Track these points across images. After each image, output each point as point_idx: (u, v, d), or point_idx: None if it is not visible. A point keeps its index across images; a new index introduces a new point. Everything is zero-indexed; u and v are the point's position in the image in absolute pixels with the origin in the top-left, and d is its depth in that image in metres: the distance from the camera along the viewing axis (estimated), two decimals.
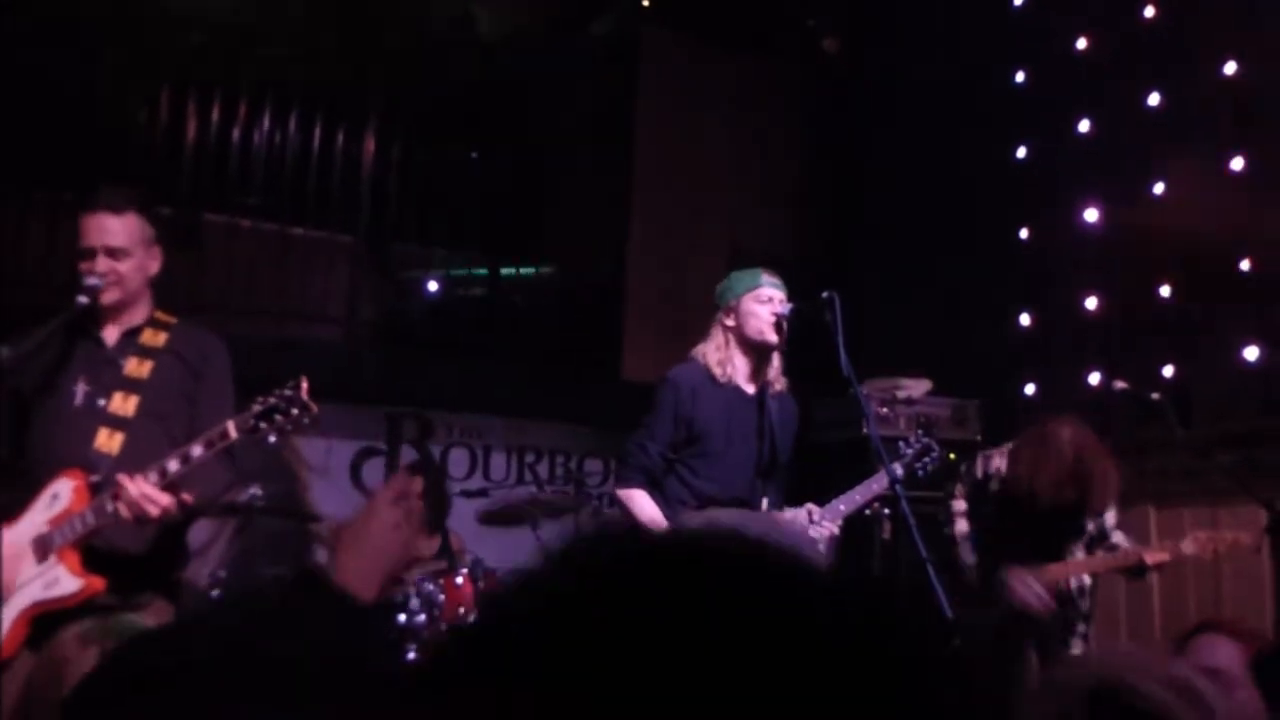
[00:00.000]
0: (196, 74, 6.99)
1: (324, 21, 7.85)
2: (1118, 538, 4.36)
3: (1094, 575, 4.43)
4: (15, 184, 6.52)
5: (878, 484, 3.98)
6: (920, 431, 4.42)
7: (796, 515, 4.01)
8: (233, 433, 2.94)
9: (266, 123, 7.21)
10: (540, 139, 7.92)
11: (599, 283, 7.80)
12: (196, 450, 2.95)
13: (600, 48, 8.26)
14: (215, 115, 7.07)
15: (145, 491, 2.91)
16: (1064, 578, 4.29)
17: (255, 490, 4.84)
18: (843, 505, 4.01)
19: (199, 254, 6.67)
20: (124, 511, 2.92)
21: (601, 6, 8.50)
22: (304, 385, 2.97)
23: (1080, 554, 4.35)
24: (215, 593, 4.78)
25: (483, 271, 7.71)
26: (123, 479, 2.93)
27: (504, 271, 7.74)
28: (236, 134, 7.13)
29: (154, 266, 3.30)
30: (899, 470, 4.03)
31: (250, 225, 6.91)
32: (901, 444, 4.32)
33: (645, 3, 8.45)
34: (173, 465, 2.96)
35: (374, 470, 6.78)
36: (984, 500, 4.47)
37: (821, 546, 4.02)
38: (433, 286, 7.55)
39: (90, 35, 6.87)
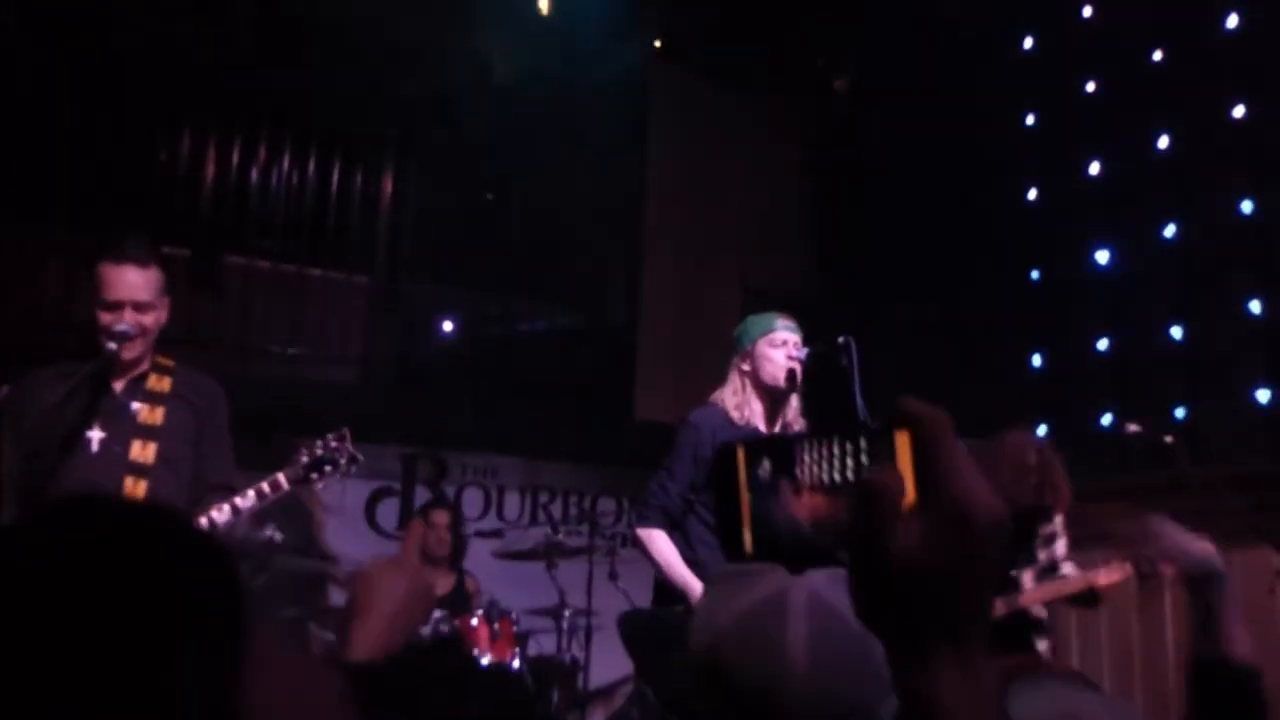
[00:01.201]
0: (216, 116, 7.09)
1: (342, 65, 7.97)
2: (1068, 569, 4.29)
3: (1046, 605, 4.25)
4: (35, 225, 6.60)
5: None
6: None
7: None
8: (284, 484, 3.01)
9: (285, 165, 7.30)
10: (553, 180, 7.99)
11: (612, 323, 7.86)
12: (246, 501, 3.01)
13: (611, 89, 8.35)
14: (235, 157, 7.16)
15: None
16: (1011, 611, 4.10)
17: (272, 531, 4.87)
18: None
19: (217, 295, 6.75)
20: None
21: (613, 48, 8.61)
22: (348, 435, 3.05)
23: (1030, 583, 4.28)
24: None
25: (497, 312, 7.77)
26: (236, 505, 2.98)
27: (517, 311, 7.78)
28: (255, 176, 7.22)
29: (164, 318, 3.36)
30: None
31: (268, 266, 6.99)
32: None
33: (657, 43, 8.57)
34: (219, 515, 3.00)
35: (388, 510, 6.82)
36: None
37: None
38: (448, 327, 7.61)
39: (112, 76, 6.99)
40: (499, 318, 7.68)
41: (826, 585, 1.19)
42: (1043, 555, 4.28)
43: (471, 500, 7.10)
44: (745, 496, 0.73)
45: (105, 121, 6.86)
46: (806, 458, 0.73)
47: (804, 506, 0.72)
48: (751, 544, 0.73)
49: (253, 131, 7.21)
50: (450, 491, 6.99)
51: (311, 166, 7.37)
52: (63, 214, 6.57)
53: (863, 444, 0.73)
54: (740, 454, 0.74)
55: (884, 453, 0.71)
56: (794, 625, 1.14)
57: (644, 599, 4.27)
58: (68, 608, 0.72)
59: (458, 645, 4.62)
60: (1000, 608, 4.09)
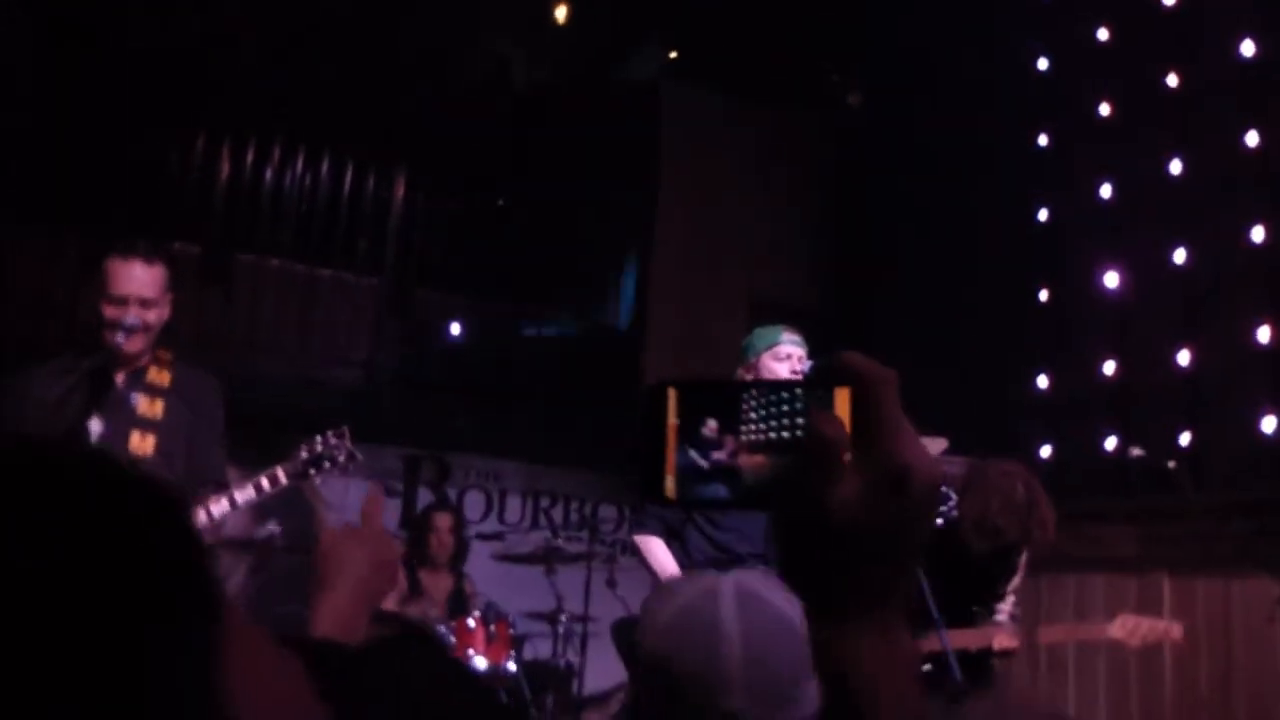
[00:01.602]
0: (230, 117, 7.13)
1: (356, 68, 8.02)
2: (1006, 606, 4.23)
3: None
4: (47, 224, 6.64)
5: None
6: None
7: None
8: (283, 478, 3.04)
9: (299, 166, 7.34)
10: (564, 188, 8.03)
11: (618, 331, 7.88)
12: (244, 494, 3.03)
13: (624, 100, 8.39)
14: (249, 157, 7.20)
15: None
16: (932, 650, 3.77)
17: (273, 527, 4.89)
18: None
19: (227, 292, 6.78)
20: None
21: (628, 58, 8.65)
22: (347, 433, 3.08)
23: (1006, 612, 4.23)
24: None
25: (504, 317, 7.79)
26: (234, 498, 3.01)
27: (524, 317, 7.81)
28: (269, 176, 7.26)
29: (168, 314, 3.39)
30: None
31: (278, 265, 7.02)
32: None
33: (672, 55, 8.61)
34: (217, 508, 3.03)
35: (390, 511, 6.83)
36: None
37: None
38: (455, 330, 7.63)
39: (126, 77, 7.03)
40: (506, 323, 7.70)
41: (753, 578, 1.31)
42: (1005, 588, 4.25)
43: (473, 503, 7.12)
44: (672, 440, 0.69)
45: (118, 121, 6.91)
46: (747, 408, 0.70)
47: (740, 459, 0.69)
48: (675, 490, 0.69)
49: (266, 132, 7.25)
50: (452, 494, 7.01)
51: (325, 168, 7.41)
52: (75, 213, 6.61)
53: (802, 396, 0.70)
54: (671, 394, 0.70)
55: (824, 408, 0.69)
56: (725, 607, 1.29)
57: None
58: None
59: (428, 639, 4.61)
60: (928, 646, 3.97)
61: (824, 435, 0.67)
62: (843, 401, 0.68)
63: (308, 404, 6.37)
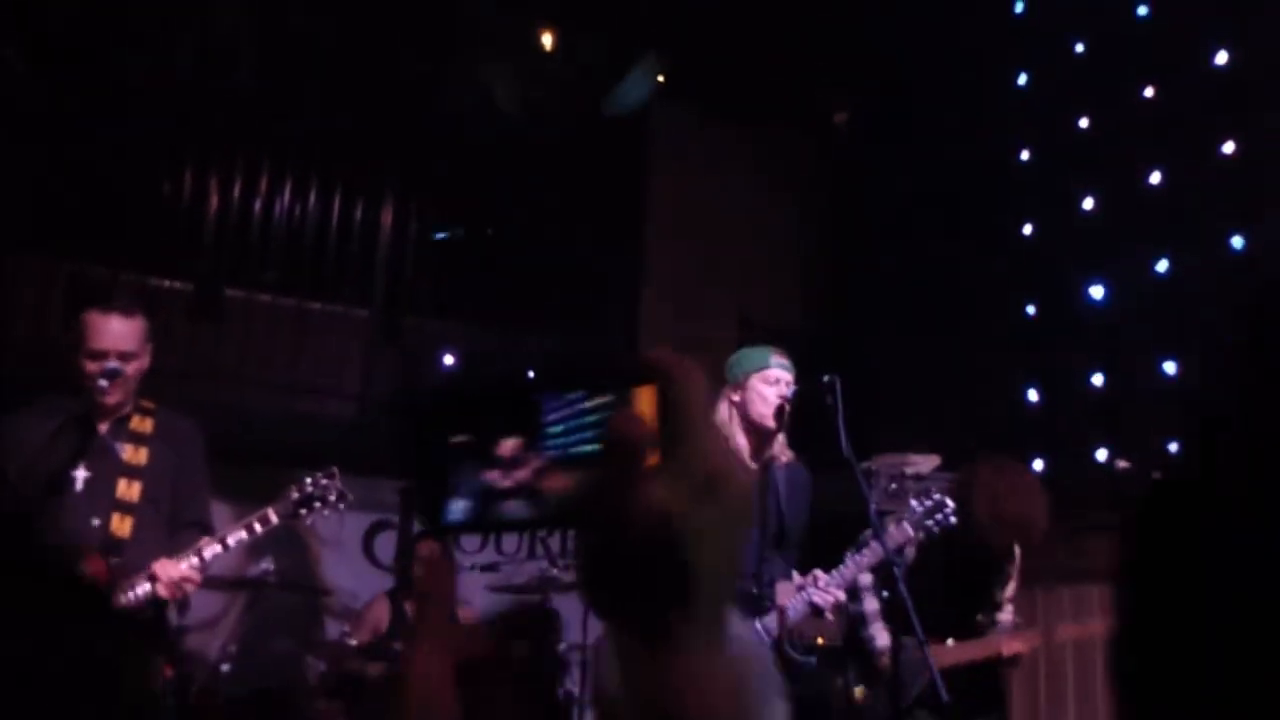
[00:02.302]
0: (218, 149, 7.15)
1: (344, 97, 8.05)
2: (1006, 615, 4.28)
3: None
4: (38, 256, 6.65)
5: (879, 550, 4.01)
6: (930, 488, 4.31)
7: (803, 581, 4.03)
8: (274, 519, 3.10)
9: (286, 197, 7.35)
10: (553, 213, 8.05)
11: (611, 355, 7.89)
12: (235, 536, 3.08)
13: (612, 121, 8.42)
14: (236, 189, 7.22)
15: (184, 574, 3.06)
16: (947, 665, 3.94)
17: (267, 564, 4.90)
18: (849, 569, 4.04)
19: (217, 328, 6.80)
20: (164, 593, 3.05)
21: (617, 82, 8.69)
22: (336, 473, 3.15)
23: (1007, 618, 4.26)
24: (225, 667, 4.82)
25: (496, 345, 7.80)
26: (160, 566, 3.06)
27: (516, 345, 7.82)
28: (257, 208, 7.27)
29: (147, 364, 3.43)
30: (909, 529, 4.08)
31: (268, 299, 7.03)
32: (913, 502, 4.28)
33: (661, 78, 8.65)
34: (208, 551, 3.08)
35: (386, 544, 6.83)
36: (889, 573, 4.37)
37: (828, 614, 4.05)
38: (449, 360, 7.64)
39: (114, 108, 7.06)
40: (497, 351, 7.71)
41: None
42: (1000, 595, 4.28)
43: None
44: (452, 457, 0.61)
45: (108, 153, 6.93)
46: (547, 420, 0.64)
47: (544, 477, 0.64)
48: (464, 513, 0.60)
49: (254, 163, 7.27)
50: None
51: (312, 199, 7.42)
52: (66, 246, 6.63)
53: (606, 402, 0.64)
54: (451, 406, 0.63)
55: (625, 407, 0.64)
56: None
57: None
58: None
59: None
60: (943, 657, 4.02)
61: (623, 436, 0.62)
62: (647, 402, 0.63)
63: (301, 438, 6.39)
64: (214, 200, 7.17)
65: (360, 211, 7.53)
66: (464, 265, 7.94)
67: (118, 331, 3.29)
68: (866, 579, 4.35)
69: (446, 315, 7.71)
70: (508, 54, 8.51)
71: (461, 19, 7.99)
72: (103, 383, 3.18)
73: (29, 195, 6.61)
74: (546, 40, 8.79)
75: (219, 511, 3.82)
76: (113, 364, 3.23)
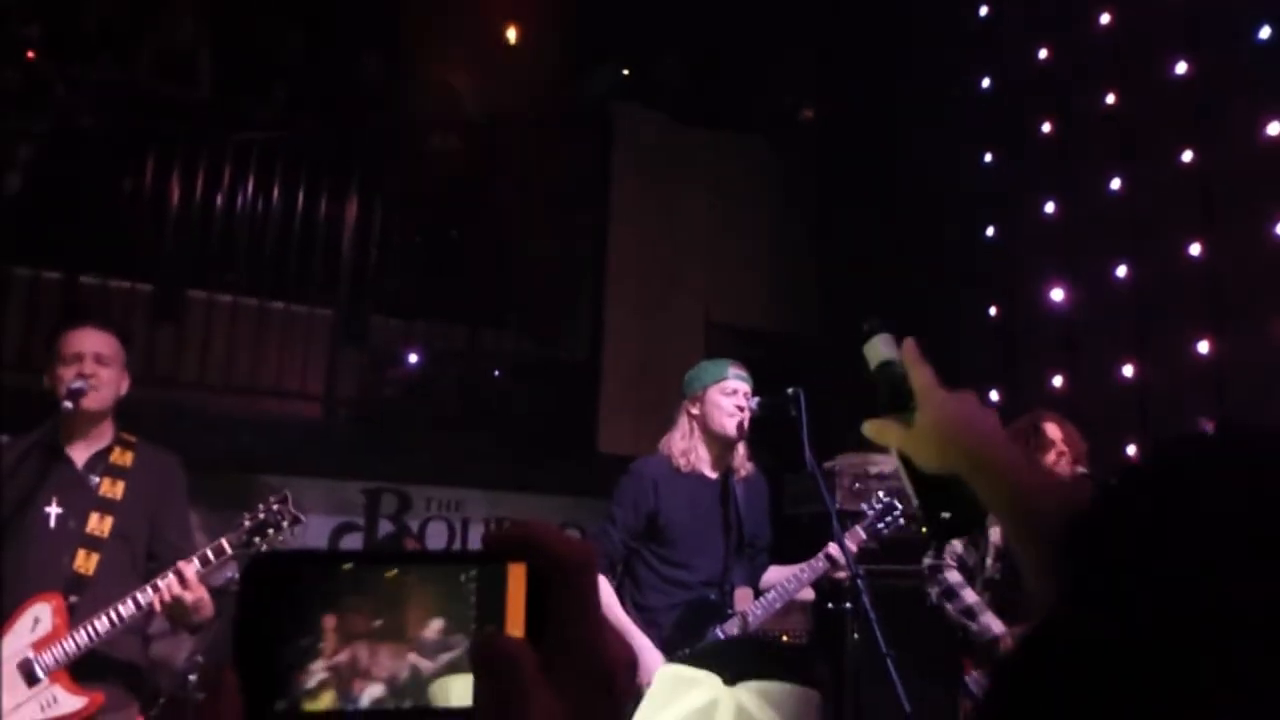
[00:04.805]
0: (180, 150, 7.07)
1: (306, 96, 8.01)
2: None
3: None
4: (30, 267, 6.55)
5: (813, 567, 4.07)
6: (882, 493, 4.37)
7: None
8: (227, 548, 3.09)
9: (248, 196, 7.28)
10: (517, 213, 8.04)
11: (575, 356, 7.90)
12: (190, 567, 3.07)
13: (576, 122, 8.43)
14: (198, 191, 7.13)
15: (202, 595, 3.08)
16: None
17: (231, 573, 4.87)
18: (775, 597, 4.09)
19: (179, 331, 6.74)
20: (195, 611, 3.04)
21: (580, 80, 8.69)
22: (289, 497, 3.15)
23: None
24: (192, 677, 4.80)
25: (460, 345, 7.79)
26: (181, 573, 3.03)
27: (480, 345, 7.81)
28: (219, 208, 7.19)
29: (124, 387, 3.40)
30: (861, 534, 4.15)
31: (230, 301, 6.98)
32: (864, 506, 4.37)
33: (625, 72, 8.64)
34: (162, 581, 3.07)
35: (352, 545, 6.82)
36: (970, 570, 4.51)
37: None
38: (412, 359, 7.63)
39: (76, 110, 6.99)
40: (462, 351, 7.70)
41: (752, 698, 1.28)
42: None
43: (436, 533, 7.11)
44: (276, 649, 0.52)
45: (66, 154, 6.86)
46: (380, 595, 0.53)
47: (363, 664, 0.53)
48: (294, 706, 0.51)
49: (216, 164, 7.20)
50: (414, 525, 7.01)
51: (275, 198, 7.36)
52: (27, 250, 6.55)
53: (468, 580, 0.55)
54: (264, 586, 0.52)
55: (494, 589, 0.55)
56: None
57: None
58: None
59: None
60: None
61: (497, 657, 0.53)
62: (517, 581, 0.55)
63: (264, 442, 6.36)
64: (175, 201, 7.09)
65: (323, 211, 7.47)
66: (427, 265, 7.92)
67: (93, 336, 3.27)
68: (955, 576, 4.47)
69: (410, 315, 7.68)
70: (471, 54, 8.50)
71: (424, 19, 7.97)
72: (78, 384, 3.15)
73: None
74: (510, 35, 8.79)
75: None
76: (89, 367, 3.21)
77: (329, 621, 0.53)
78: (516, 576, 0.55)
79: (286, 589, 0.53)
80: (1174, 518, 0.60)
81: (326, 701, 0.53)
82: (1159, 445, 0.67)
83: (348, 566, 0.54)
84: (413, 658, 0.54)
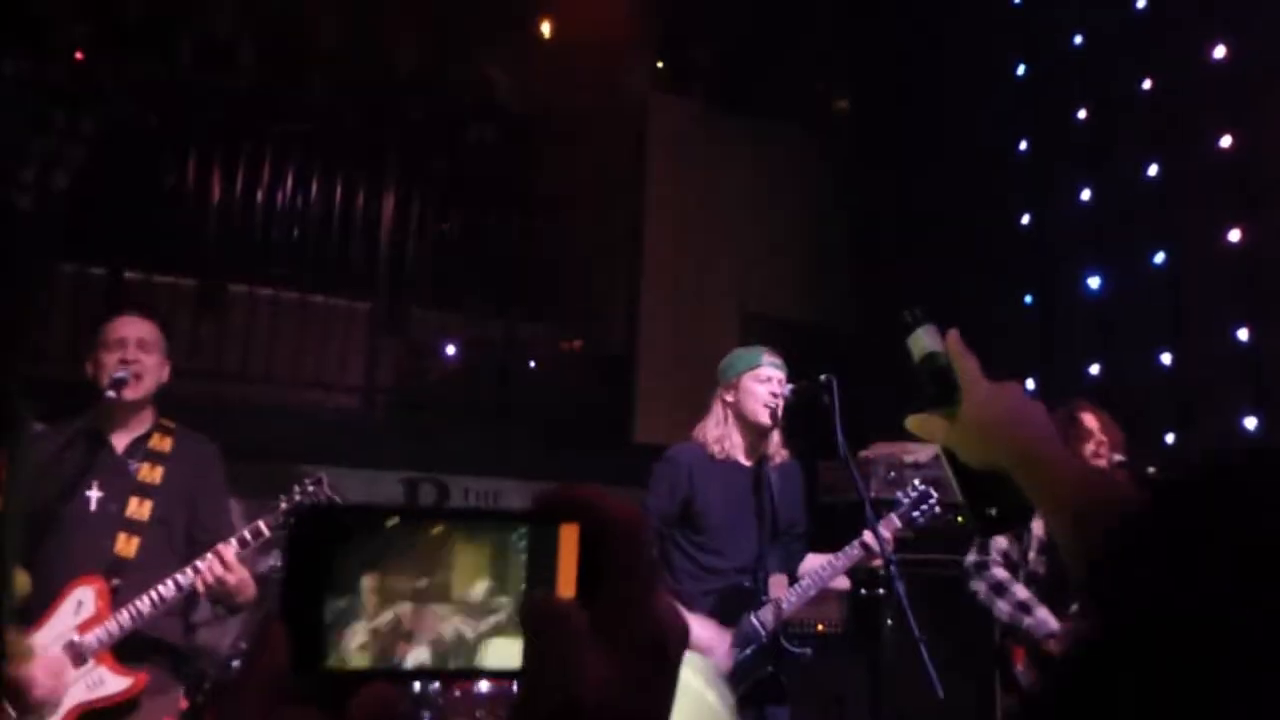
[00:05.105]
0: (221, 143, 7.18)
1: (345, 89, 8.08)
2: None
3: None
4: (41, 256, 6.68)
5: (849, 555, 4.05)
6: (918, 481, 4.34)
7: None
8: (265, 530, 3.16)
9: (288, 190, 7.38)
10: (554, 204, 8.09)
11: (611, 347, 7.94)
12: (229, 548, 3.14)
13: (613, 113, 8.45)
14: (239, 183, 7.25)
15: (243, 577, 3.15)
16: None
17: (274, 560, 4.96)
18: (809, 584, 4.08)
19: (221, 323, 6.84)
20: (238, 592, 3.14)
21: (615, 72, 8.71)
22: (324, 480, 3.20)
23: None
24: (235, 662, 4.89)
25: (498, 336, 7.85)
26: (221, 555, 3.10)
27: (518, 336, 7.87)
28: (259, 201, 7.29)
29: (166, 374, 3.48)
30: (897, 522, 4.13)
31: (271, 294, 7.08)
32: (899, 495, 4.36)
33: (660, 64, 8.67)
34: (202, 564, 3.14)
35: None
36: (1013, 564, 4.50)
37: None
38: (451, 350, 7.70)
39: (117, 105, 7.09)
40: (499, 342, 7.76)
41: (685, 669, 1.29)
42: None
43: None
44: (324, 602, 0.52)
45: (109, 150, 6.96)
46: (434, 553, 0.53)
47: (416, 618, 0.53)
48: (344, 658, 0.52)
49: (256, 158, 7.30)
50: None
51: (314, 191, 7.45)
52: (72, 247, 6.67)
53: (517, 539, 0.54)
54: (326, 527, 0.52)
55: (545, 550, 0.55)
56: None
57: None
58: None
59: None
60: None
61: (547, 617, 0.52)
62: (570, 543, 0.55)
63: (304, 433, 6.45)
64: (216, 195, 7.21)
65: (362, 204, 7.56)
66: (465, 256, 7.99)
67: (135, 323, 3.36)
68: (1003, 573, 4.45)
69: (448, 306, 7.75)
70: (509, 45, 8.54)
71: (462, 10, 8.02)
72: (122, 373, 3.23)
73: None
74: (546, 29, 8.82)
75: None
76: (132, 353, 3.29)
77: (372, 580, 0.53)
78: (569, 538, 0.54)
79: (335, 544, 0.53)
80: (1223, 529, 0.59)
81: (371, 659, 0.53)
82: (1209, 454, 0.67)
83: (393, 522, 0.54)
84: (458, 620, 0.54)
